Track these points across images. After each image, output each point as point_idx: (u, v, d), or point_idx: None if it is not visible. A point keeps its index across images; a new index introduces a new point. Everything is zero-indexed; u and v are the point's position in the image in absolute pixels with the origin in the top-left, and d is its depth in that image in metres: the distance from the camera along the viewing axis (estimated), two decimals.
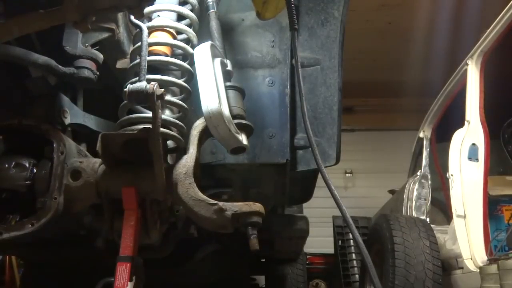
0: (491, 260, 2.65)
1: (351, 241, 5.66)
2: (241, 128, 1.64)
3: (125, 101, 1.57)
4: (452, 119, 3.66)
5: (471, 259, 2.82)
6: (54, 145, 1.60)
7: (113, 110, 1.68)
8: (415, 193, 4.08)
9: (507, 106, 3.70)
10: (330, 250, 6.05)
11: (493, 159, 3.27)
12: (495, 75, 3.40)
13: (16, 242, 1.57)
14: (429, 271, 2.68)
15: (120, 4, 1.35)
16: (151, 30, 1.74)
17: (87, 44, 1.65)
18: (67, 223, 1.77)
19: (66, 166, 1.58)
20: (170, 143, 1.67)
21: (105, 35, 1.70)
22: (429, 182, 4.12)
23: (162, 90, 1.43)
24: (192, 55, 1.71)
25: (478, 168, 2.98)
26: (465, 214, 2.94)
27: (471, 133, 3.10)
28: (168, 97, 1.65)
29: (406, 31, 6.19)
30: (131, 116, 1.63)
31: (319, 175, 1.79)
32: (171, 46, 1.75)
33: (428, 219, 3.83)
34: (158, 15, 1.82)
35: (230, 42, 2.00)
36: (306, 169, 1.98)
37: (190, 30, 1.81)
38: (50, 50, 1.63)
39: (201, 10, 1.92)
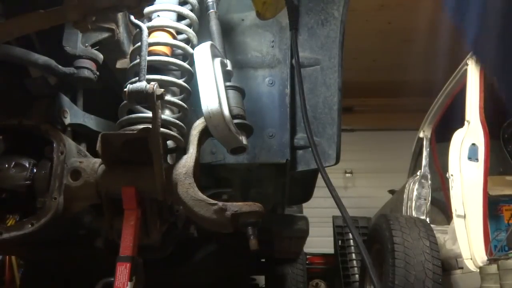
0: (491, 260, 2.65)
1: (351, 241, 5.66)
2: (241, 128, 1.64)
3: (125, 101, 1.57)
4: (452, 119, 3.66)
5: (471, 259, 2.82)
6: (54, 145, 1.60)
7: (113, 110, 1.68)
8: (415, 193, 4.08)
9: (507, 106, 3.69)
10: (330, 250, 6.05)
11: (493, 159, 3.27)
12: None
13: (16, 242, 1.57)
14: (429, 271, 2.68)
15: (120, 4, 1.35)
16: (151, 30, 1.74)
17: (87, 44, 1.65)
18: (67, 223, 1.77)
19: (66, 166, 1.58)
20: (170, 143, 1.67)
21: (105, 35, 1.69)
22: (429, 182, 4.12)
23: (162, 90, 1.43)
24: (192, 55, 1.71)
25: (478, 168, 2.98)
26: (465, 214, 2.94)
27: (471, 133, 3.10)
28: (168, 97, 1.65)
29: (406, 31, 6.18)
30: (131, 116, 1.63)
31: (319, 175, 1.79)
32: (171, 46, 1.75)
33: (428, 219, 3.83)
34: (158, 15, 1.82)
35: (230, 42, 2.00)
36: (306, 169, 1.98)
37: (190, 30, 1.81)
38: (50, 50, 1.63)
39: (201, 10, 1.92)
